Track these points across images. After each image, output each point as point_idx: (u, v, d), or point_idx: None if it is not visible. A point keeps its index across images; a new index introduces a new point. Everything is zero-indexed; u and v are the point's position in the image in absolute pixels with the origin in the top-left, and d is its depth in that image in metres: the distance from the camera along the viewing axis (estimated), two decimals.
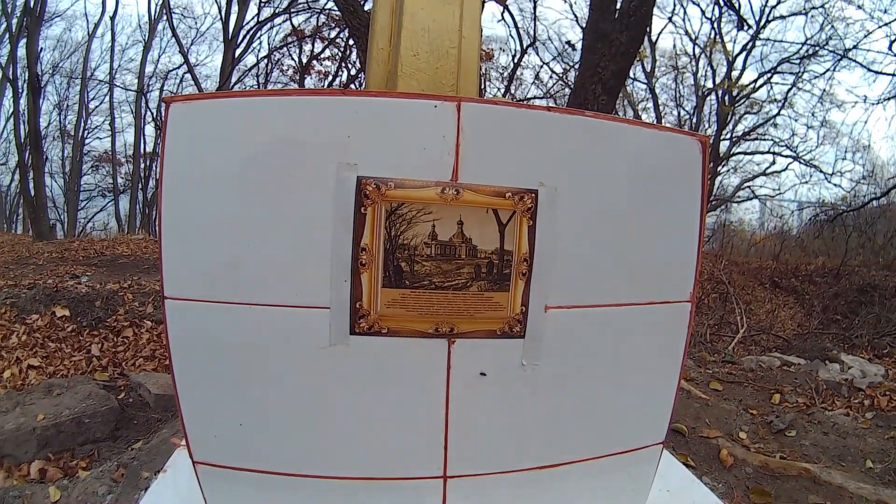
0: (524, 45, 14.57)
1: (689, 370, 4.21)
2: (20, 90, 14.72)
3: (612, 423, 1.50)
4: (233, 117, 1.20)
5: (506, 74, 17.43)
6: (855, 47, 13.91)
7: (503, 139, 1.23)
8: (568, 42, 16.01)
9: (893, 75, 13.18)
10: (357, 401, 1.33)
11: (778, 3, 16.38)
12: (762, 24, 16.16)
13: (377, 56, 1.66)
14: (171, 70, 21.83)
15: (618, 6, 4.75)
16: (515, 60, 15.51)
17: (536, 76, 18.71)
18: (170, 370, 1.31)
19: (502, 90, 17.20)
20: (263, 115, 1.20)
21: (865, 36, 14.03)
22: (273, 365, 1.29)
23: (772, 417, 3.43)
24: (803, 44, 16.43)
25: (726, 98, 18.37)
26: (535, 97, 18.32)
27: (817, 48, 15.74)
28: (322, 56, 19.46)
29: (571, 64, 16.65)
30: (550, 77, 18.44)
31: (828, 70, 15.67)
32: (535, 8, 14.82)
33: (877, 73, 13.74)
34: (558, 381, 1.39)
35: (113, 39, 21.31)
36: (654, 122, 18.66)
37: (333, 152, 1.19)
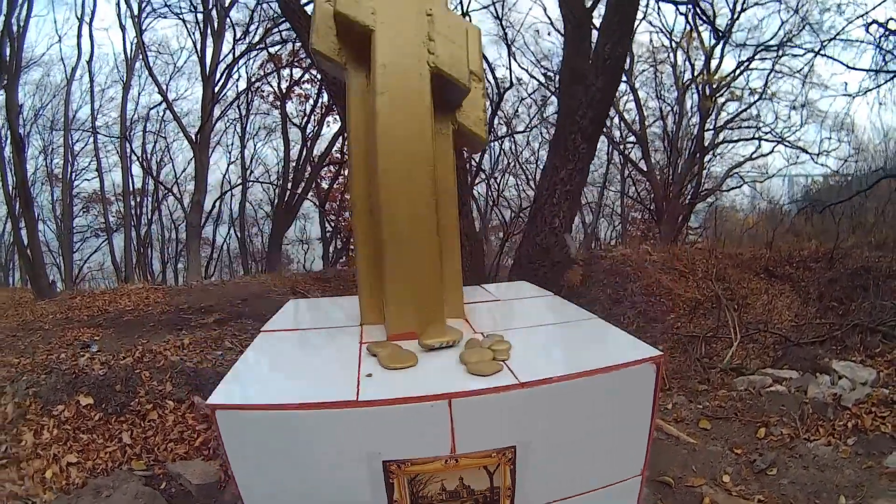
0: (501, 91, 14.89)
1: (680, 408, 4.40)
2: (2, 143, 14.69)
3: None
4: (276, 423, 1.43)
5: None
6: (832, 40, 14.12)
7: (486, 418, 1.50)
8: (545, 74, 16.48)
9: (869, 71, 13.40)
10: None
11: None
12: (736, 17, 16.33)
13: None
14: (153, 108, 21.86)
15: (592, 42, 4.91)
16: (493, 106, 15.78)
17: (515, 112, 19.17)
18: None
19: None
20: (301, 422, 1.42)
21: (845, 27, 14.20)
22: None
23: (755, 456, 3.65)
24: (778, 28, 16.69)
25: (706, 89, 18.53)
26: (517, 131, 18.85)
27: (792, 35, 16.00)
28: (301, 80, 19.64)
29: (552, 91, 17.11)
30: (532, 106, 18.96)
31: (806, 64, 15.93)
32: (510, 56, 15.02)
33: (852, 68, 13.96)
34: None
35: (91, 82, 21.37)
36: (641, 156, 19.10)
37: (363, 445, 1.46)
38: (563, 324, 1.90)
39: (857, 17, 13.43)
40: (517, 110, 19.41)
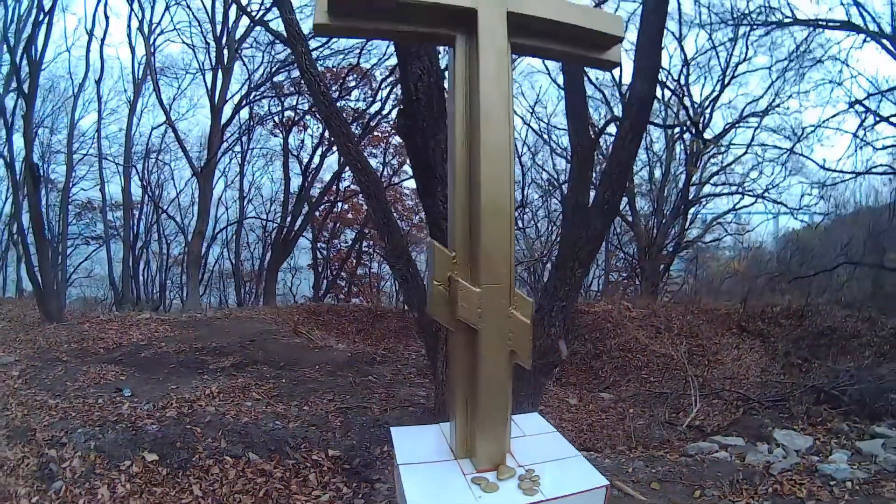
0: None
1: (637, 472, 5.19)
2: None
3: None
4: None
5: None
6: (814, 129, 15.29)
7: None
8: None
9: (841, 172, 14.72)
10: None
11: (743, 61, 17.86)
12: (727, 82, 17.57)
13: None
14: (155, 127, 22.15)
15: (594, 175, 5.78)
16: None
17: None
18: None
19: None
20: None
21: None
22: None
23: None
24: (766, 90, 17.90)
25: (693, 146, 19.42)
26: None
27: (780, 103, 17.32)
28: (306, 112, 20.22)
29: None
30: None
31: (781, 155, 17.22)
32: None
33: (826, 168, 15.51)
34: None
35: (99, 103, 21.65)
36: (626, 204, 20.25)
37: None
38: (561, 460, 2.81)
39: (838, 114, 14.69)
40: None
